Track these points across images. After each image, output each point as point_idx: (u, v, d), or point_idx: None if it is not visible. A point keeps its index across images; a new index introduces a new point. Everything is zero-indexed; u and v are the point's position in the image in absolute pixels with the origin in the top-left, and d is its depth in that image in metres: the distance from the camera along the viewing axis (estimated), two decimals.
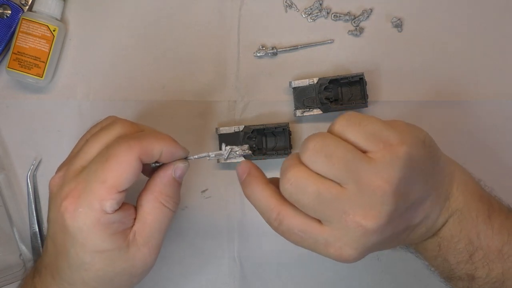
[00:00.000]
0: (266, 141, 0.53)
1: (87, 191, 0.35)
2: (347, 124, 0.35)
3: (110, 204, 0.36)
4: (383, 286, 0.52)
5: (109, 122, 0.40)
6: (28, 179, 0.53)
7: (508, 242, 0.39)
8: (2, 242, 0.53)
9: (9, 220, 0.53)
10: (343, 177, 0.34)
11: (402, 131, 0.36)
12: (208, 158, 0.42)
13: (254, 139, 0.52)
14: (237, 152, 0.43)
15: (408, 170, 0.35)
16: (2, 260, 0.52)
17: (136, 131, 0.40)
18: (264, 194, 0.38)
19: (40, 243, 0.53)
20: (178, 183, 0.40)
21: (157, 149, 0.38)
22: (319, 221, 0.36)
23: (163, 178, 0.40)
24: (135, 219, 0.39)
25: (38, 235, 0.53)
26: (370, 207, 0.34)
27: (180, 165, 0.40)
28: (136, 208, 0.39)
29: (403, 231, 0.38)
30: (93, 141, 0.38)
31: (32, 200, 0.53)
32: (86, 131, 0.44)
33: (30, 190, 0.53)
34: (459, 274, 0.40)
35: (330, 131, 0.36)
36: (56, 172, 0.40)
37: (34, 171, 0.54)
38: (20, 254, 0.53)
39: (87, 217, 0.35)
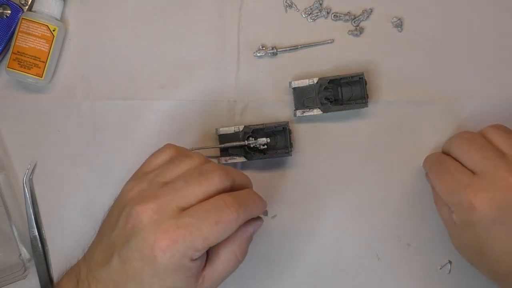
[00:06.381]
0: None
1: (187, 241, 0.37)
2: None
3: (199, 254, 0.38)
4: (383, 286, 0.52)
5: (208, 167, 0.40)
6: (24, 183, 0.53)
7: None
8: (2, 242, 0.53)
9: (9, 220, 0.53)
10: (507, 148, 0.43)
11: None
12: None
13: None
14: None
15: None
16: (2, 260, 0.52)
17: (231, 183, 0.40)
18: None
19: (41, 246, 0.52)
20: (251, 239, 0.43)
21: (255, 215, 0.41)
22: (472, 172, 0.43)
23: (244, 234, 0.42)
24: (206, 261, 0.41)
25: (38, 238, 0.52)
26: None
27: (259, 223, 0.43)
28: (207, 253, 0.40)
29: None
30: (195, 185, 0.39)
31: (30, 204, 0.53)
32: (166, 156, 0.43)
33: (27, 194, 0.53)
34: None
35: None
36: (144, 201, 0.39)
37: (30, 175, 0.53)
38: (20, 254, 0.53)
39: (178, 260, 0.37)
